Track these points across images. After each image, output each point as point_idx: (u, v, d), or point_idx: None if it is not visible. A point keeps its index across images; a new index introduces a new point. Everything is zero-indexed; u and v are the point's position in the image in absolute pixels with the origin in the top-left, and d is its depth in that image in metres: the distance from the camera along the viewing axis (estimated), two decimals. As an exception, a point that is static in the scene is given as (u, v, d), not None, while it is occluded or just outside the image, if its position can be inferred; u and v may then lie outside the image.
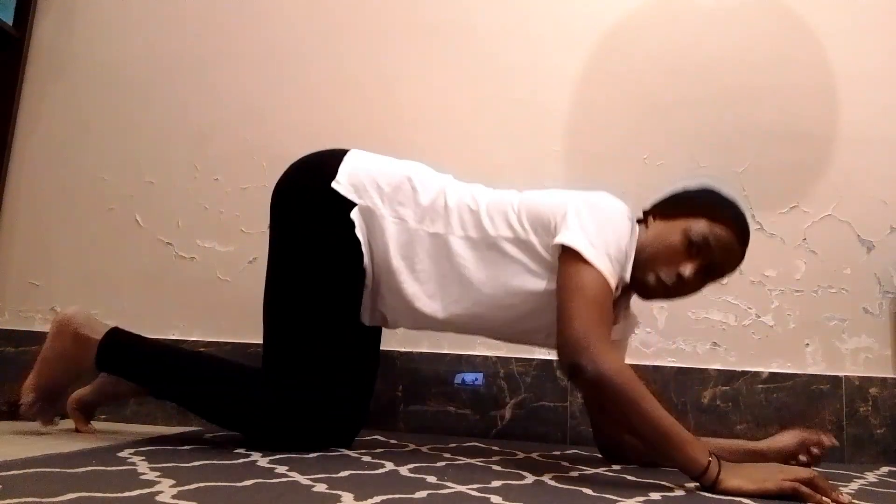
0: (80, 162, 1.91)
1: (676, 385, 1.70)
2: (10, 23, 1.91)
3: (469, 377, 1.73)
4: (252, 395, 1.25)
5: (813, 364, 1.71)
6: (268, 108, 1.91)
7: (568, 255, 1.16)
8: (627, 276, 1.23)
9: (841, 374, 1.69)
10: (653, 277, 1.23)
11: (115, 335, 1.32)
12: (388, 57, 1.91)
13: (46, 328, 1.46)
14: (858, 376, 1.69)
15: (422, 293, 1.28)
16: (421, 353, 1.76)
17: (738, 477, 1.00)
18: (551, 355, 1.68)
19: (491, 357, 1.74)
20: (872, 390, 1.68)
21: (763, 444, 1.30)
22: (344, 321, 1.29)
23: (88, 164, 1.91)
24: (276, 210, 1.36)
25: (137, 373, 1.32)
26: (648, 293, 1.26)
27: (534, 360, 1.72)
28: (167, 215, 1.88)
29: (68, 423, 1.44)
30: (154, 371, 1.31)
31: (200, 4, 1.97)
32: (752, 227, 1.75)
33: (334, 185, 1.29)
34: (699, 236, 1.20)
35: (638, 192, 1.79)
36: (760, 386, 1.69)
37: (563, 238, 1.17)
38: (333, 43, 1.92)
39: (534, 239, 1.24)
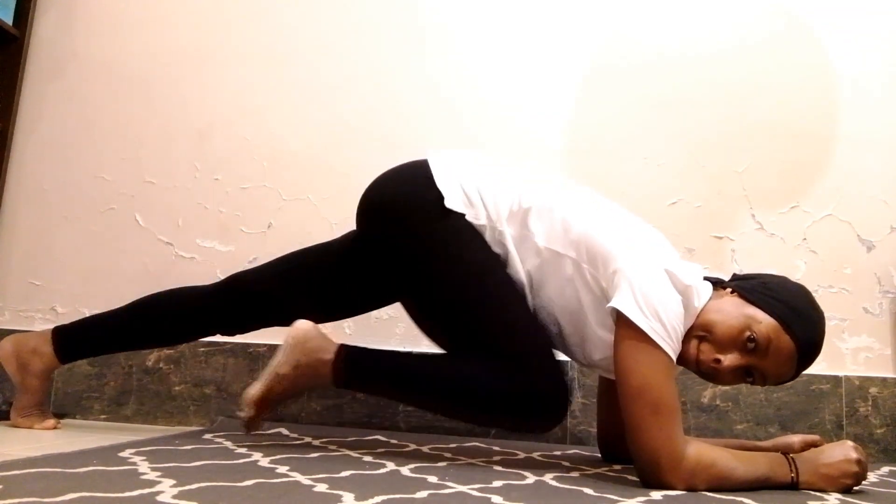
0: (81, 161, 1.91)
1: (677, 384, 1.70)
2: (10, 21, 1.91)
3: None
4: (499, 378, 1.18)
5: (813, 363, 1.70)
6: (268, 108, 1.90)
7: (626, 327, 1.08)
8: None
9: (841, 373, 1.69)
10: (694, 346, 1.14)
11: (349, 353, 1.26)
12: (389, 56, 1.90)
13: (47, 327, 1.47)
14: (859, 376, 1.69)
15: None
16: (421, 353, 1.75)
17: (808, 474, 1.11)
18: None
19: (491, 357, 1.73)
20: (873, 390, 1.68)
21: (766, 445, 1.30)
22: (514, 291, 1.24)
23: (88, 164, 1.91)
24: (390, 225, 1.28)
25: (378, 388, 1.30)
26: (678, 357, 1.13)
27: (534, 359, 1.72)
28: (167, 215, 1.88)
29: (69, 424, 1.44)
30: (394, 383, 1.26)
31: (200, 3, 1.97)
32: (753, 227, 1.78)
33: (448, 203, 1.23)
34: (762, 336, 1.10)
35: (638, 192, 1.81)
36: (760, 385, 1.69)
37: (621, 306, 1.08)
38: (334, 42, 1.92)
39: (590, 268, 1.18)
